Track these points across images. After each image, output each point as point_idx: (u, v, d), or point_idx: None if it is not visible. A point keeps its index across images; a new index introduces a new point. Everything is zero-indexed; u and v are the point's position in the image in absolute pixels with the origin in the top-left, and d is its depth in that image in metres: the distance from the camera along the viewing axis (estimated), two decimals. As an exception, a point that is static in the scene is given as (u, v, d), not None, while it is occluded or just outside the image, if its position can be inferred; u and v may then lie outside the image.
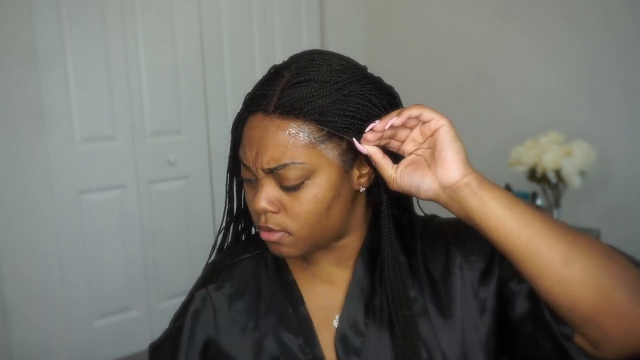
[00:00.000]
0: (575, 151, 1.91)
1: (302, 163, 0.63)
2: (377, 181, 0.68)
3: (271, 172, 0.63)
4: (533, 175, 2.01)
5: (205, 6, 2.65)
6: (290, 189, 0.64)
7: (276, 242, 0.67)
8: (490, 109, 2.58)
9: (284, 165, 0.63)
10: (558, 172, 1.93)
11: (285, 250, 0.67)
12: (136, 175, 2.53)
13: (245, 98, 0.69)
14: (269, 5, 2.83)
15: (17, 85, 2.15)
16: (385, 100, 0.67)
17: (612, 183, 2.18)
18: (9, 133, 2.15)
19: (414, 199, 0.78)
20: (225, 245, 0.81)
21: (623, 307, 0.55)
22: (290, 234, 0.66)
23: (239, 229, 0.81)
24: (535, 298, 0.63)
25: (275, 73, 0.67)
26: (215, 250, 0.80)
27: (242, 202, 0.78)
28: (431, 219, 0.77)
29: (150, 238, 2.59)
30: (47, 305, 2.29)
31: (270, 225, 0.66)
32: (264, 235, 0.67)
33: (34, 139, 2.21)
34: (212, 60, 2.69)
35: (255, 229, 0.82)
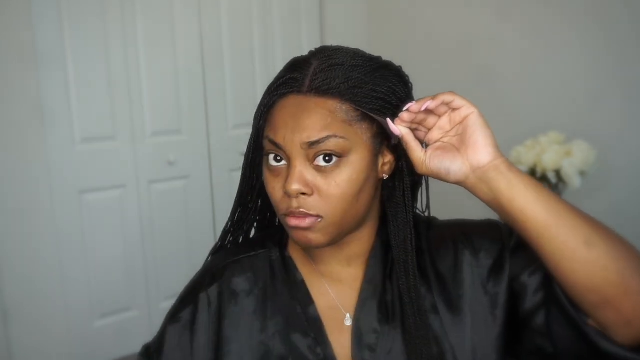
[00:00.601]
0: (575, 151, 1.91)
1: (343, 137, 0.63)
2: (396, 171, 0.70)
3: (312, 145, 0.63)
4: (533, 175, 2.01)
5: (205, 6, 2.64)
6: (326, 167, 0.63)
7: (306, 228, 0.65)
8: (490, 108, 2.57)
9: (327, 138, 0.63)
10: (558, 172, 1.93)
11: (314, 238, 0.66)
12: (136, 175, 2.53)
13: (269, 87, 0.68)
14: (269, 5, 2.83)
15: (17, 85, 2.15)
16: (406, 88, 0.69)
17: (612, 183, 2.18)
18: (9, 133, 2.15)
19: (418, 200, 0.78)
20: (229, 237, 0.79)
21: (638, 290, 0.58)
22: (322, 218, 0.65)
23: (238, 228, 0.79)
24: (549, 288, 0.65)
25: (300, 61, 0.67)
26: (221, 238, 0.79)
27: (247, 203, 0.76)
28: (432, 221, 0.77)
29: (150, 238, 2.59)
30: (47, 305, 2.29)
31: (304, 209, 0.64)
32: (294, 222, 0.65)
33: (34, 139, 2.21)
34: (212, 60, 2.68)
35: (256, 229, 0.81)
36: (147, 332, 2.51)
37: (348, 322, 0.72)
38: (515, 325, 0.68)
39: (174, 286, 2.63)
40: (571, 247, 0.59)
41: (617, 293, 0.58)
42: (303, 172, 0.64)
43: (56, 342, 2.31)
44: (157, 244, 2.60)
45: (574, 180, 1.90)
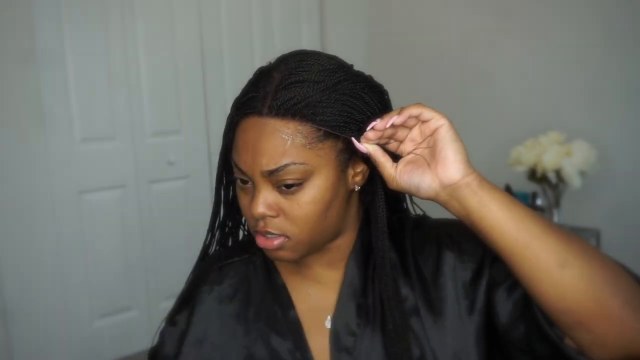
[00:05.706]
0: (575, 151, 1.91)
1: (302, 163, 0.62)
2: (371, 179, 0.68)
3: (271, 174, 0.62)
4: (533, 175, 2.01)
5: (205, 6, 2.65)
6: (288, 191, 0.63)
7: (275, 248, 0.66)
8: (490, 109, 2.58)
9: (285, 167, 0.62)
10: (558, 172, 1.93)
11: (284, 254, 0.67)
12: (136, 175, 2.53)
13: (235, 102, 0.68)
14: (269, 5, 2.83)
15: (17, 85, 2.15)
16: (377, 98, 0.66)
17: (612, 183, 2.18)
18: (9, 133, 2.15)
19: (407, 200, 0.78)
20: (211, 249, 0.80)
21: (614, 314, 0.56)
22: (289, 238, 0.65)
23: (225, 231, 0.80)
24: (526, 302, 0.63)
25: (264, 75, 0.66)
26: (200, 254, 0.80)
27: (231, 205, 0.78)
28: (423, 220, 0.76)
29: (150, 238, 2.59)
30: (47, 305, 2.29)
31: (270, 229, 0.65)
32: (262, 243, 0.66)
33: (34, 139, 2.21)
34: (212, 60, 2.69)
35: (243, 233, 0.81)
36: (147, 332, 2.50)
37: (328, 325, 0.72)
38: (497, 335, 0.67)
39: (174, 286, 2.62)
40: (544, 268, 0.57)
41: (591, 316, 0.56)
42: (267, 196, 0.64)
43: (56, 342, 2.31)
44: (157, 244, 2.60)
45: (574, 180, 1.90)
